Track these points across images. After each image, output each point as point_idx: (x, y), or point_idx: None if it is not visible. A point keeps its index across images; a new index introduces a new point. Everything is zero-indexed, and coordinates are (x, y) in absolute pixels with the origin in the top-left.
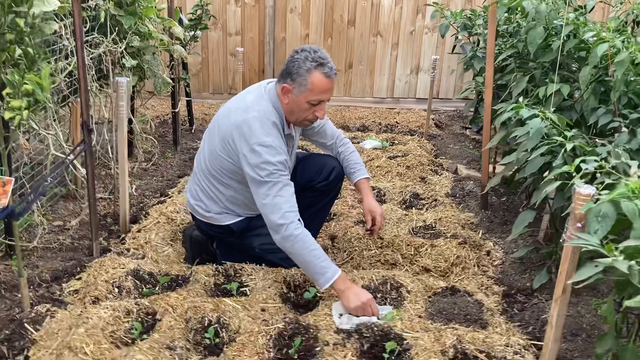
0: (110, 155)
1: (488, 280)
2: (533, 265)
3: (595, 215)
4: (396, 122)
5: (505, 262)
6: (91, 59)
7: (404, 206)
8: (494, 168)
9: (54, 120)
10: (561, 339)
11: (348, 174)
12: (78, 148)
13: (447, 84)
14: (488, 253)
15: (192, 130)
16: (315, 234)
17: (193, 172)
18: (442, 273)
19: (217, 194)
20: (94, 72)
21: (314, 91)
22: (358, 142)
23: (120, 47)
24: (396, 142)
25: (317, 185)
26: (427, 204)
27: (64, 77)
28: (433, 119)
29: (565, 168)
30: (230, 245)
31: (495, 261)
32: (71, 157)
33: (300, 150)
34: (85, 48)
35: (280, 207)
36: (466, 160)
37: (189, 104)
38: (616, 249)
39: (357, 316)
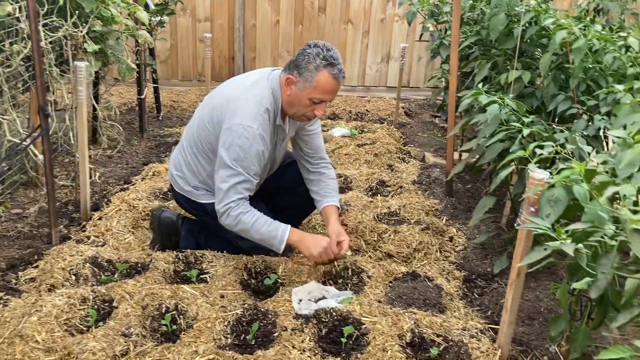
0: (73, 141)
1: (450, 265)
2: (494, 250)
3: (547, 200)
4: (366, 110)
5: (468, 247)
6: (50, 43)
7: (370, 193)
8: (460, 155)
9: (12, 105)
10: (517, 322)
11: (319, 197)
12: (34, 134)
13: (417, 73)
14: (451, 239)
15: (160, 118)
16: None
17: (180, 143)
18: (405, 259)
19: (199, 167)
20: (52, 57)
21: (318, 89)
22: (327, 130)
23: (82, 32)
24: (365, 130)
25: (302, 194)
26: (393, 191)
27: (22, 61)
28: (403, 107)
29: (520, 153)
30: (198, 227)
31: (457, 247)
32: (26, 142)
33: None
34: (44, 32)
35: (230, 198)
36: (434, 148)
37: (156, 90)
38: (566, 232)
39: (322, 263)
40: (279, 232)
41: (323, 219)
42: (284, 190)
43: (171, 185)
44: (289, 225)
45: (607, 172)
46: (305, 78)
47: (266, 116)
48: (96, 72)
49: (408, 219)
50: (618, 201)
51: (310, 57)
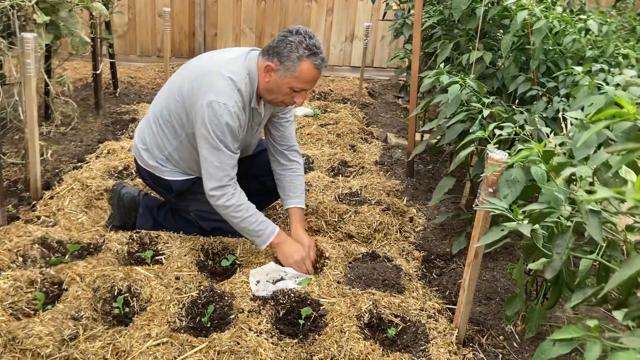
0: (22, 117)
1: (409, 246)
2: (454, 231)
3: (505, 180)
4: (330, 90)
5: (427, 228)
6: None
7: (332, 174)
8: (422, 136)
9: None
10: (474, 302)
11: (284, 196)
12: None
13: (381, 53)
14: (411, 219)
15: (117, 94)
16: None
17: (146, 116)
18: (365, 239)
19: (164, 141)
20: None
21: (300, 79)
22: None
23: (31, 2)
24: (328, 110)
25: (268, 184)
26: (355, 171)
27: None
28: (367, 88)
29: (479, 134)
30: (157, 204)
31: (417, 227)
32: None
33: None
34: None
35: (219, 177)
36: (397, 129)
37: (112, 66)
38: (523, 213)
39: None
40: (266, 232)
41: (288, 219)
42: (251, 177)
43: (135, 159)
44: (278, 228)
45: (564, 153)
46: (287, 67)
47: (239, 96)
48: (48, 46)
49: (369, 200)
50: (575, 182)
51: (293, 46)
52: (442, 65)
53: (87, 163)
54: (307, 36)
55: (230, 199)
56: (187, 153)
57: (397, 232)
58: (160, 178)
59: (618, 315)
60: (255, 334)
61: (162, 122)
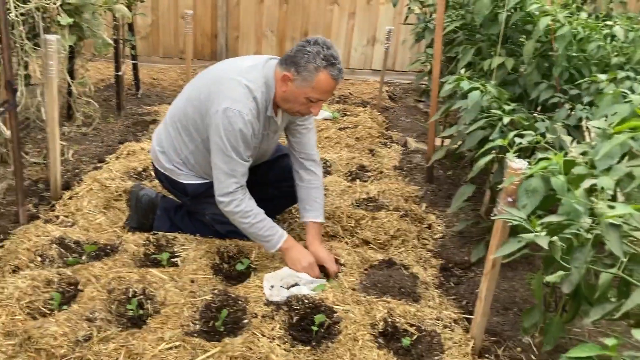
0: (45, 117)
1: (427, 253)
2: (473, 239)
3: (525, 190)
4: (350, 93)
5: (446, 235)
6: (22, 15)
7: (349, 178)
8: (442, 142)
9: None
10: (491, 312)
11: (301, 209)
12: (1, 108)
13: (403, 56)
14: (429, 226)
15: (139, 95)
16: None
17: (164, 119)
18: (382, 245)
19: (181, 145)
20: (22, 29)
21: (317, 89)
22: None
23: (55, 4)
24: (348, 113)
25: (286, 189)
26: (373, 176)
27: None
28: (387, 91)
29: (499, 142)
30: (175, 206)
31: (436, 234)
32: None
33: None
34: (14, 2)
35: (228, 184)
36: (417, 133)
37: (135, 67)
38: (541, 224)
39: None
40: (275, 237)
41: (305, 232)
42: (268, 182)
43: (152, 161)
44: (286, 233)
45: (586, 163)
46: (304, 77)
47: (254, 104)
48: (71, 47)
49: (387, 205)
50: (596, 194)
51: (310, 57)
52: (462, 71)
53: (106, 164)
54: (325, 46)
55: (239, 205)
56: (202, 157)
57: (414, 239)
58: (176, 181)
59: (637, 334)
60: (268, 340)
61: (179, 126)
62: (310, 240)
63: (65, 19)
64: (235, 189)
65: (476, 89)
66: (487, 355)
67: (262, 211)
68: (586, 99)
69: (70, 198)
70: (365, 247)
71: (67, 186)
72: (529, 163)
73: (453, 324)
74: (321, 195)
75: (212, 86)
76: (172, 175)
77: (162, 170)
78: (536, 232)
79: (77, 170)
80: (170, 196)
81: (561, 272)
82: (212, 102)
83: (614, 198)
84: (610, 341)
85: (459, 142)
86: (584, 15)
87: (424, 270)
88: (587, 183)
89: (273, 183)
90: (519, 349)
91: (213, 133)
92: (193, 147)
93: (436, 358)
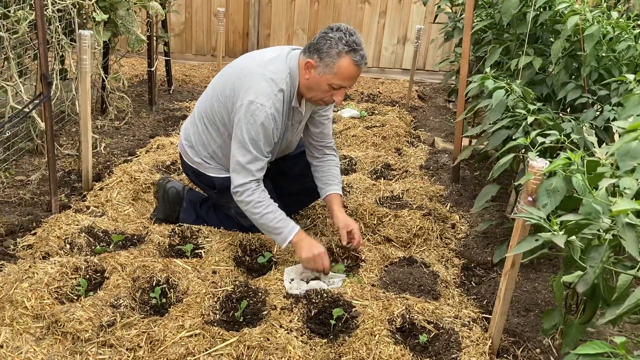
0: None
1: (449, 252)
2: (497, 239)
3: (545, 189)
4: (379, 92)
5: (470, 235)
6: (59, 10)
7: (374, 176)
8: (470, 141)
9: (18, 72)
10: (513, 313)
11: (322, 184)
12: (36, 101)
13: (434, 56)
14: (453, 226)
15: (171, 91)
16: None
17: (192, 113)
18: (404, 244)
19: (209, 139)
20: (59, 25)
21: (339, 76)
22: (337, 111)
23: (91, 1)
24: (376, 112)
25: (309, 184)
26: (398, 175)
27: (30, 28)
28: (417, 91)
29: (520, 141)
30: (201, 198)
31: (459, 234)
32: (27, 109)
33: None
34: None
35: (244, 175)
36: (445, 133)
37: (167, 63)
38: (561, 223)
39: (309, 268)
40: (285, 230)
41: (327, 208)
42: (292, 177)
43: (180, 155)
44: (298, 226)
45: (612, 164)
46: (326, 63)
47: (280, 96)
48: (106, 43)
49: (410, 204)
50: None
51: (333, 42)
52: (488, 70)
53: (137, 157)
54: (348, 33)
55: (251, 195)
56: (230, 151)
57: (437, 238)
58: (204, 174)
59: None
60: (286, 332)
61: (206, 120)
62: (337, 209)
63: (100, 16)
64: (249, 180)
65: (501, 87)
66: (505, 356)
67: (274, 204)
68: (614, 100)
69: (100, 189)
70: (387, 244)
71: (98, 178)
72: (550, 163)
73: (472, 322)
74: (339, 173)
75: (236, 81)
76: (199, 169)
77: (190, 164)
78: (553, 231)
79: (108, 163)
80: (197, 189)
81: (578, 272)
82: (237, 96)
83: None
84: (619, 339)
85: (485, 142)
86: (614, 14)
87: (446, 269)
88: (605, 182)
89: (298, 177)
90: (538, 350)
91: (235, 126)
92: (221, 141)
93: (453, 356)
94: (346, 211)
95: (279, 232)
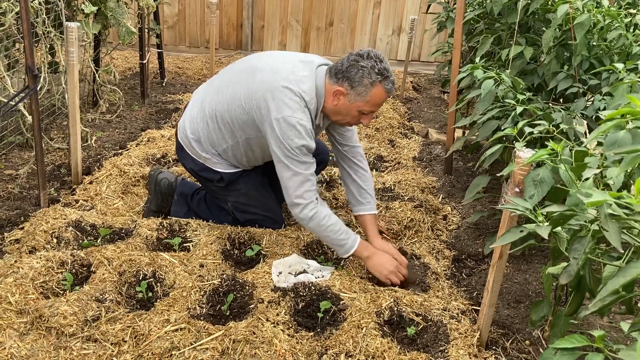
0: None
1: (440, 244)
2: (488, 231)
3: (532, 180)
4: None
5: (461, 227)
6: (47, 2)
7: None
8: (464, 132)
9: (6, 65)
10: (502, 304)
11: (354, 202)
12: (22, 94)
13: (429, 46)
14: (445, 217)
15: (163, 84)
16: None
17: (199, 107)
18: (394, 235)
19: (219, 139)
20: (45, 17)
21: (371, 103)
22: None
23: None
24: None
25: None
26: (390, 166)
27: (14, 20)
28: (412, 82)
29: (508, 131)
30: (192, 190)
31: (450, 226)
32: (13, 102)
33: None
34: None
35: (296, 187)
36: (439, 124)
37: (160, 56)
38: (545, 215)
39: (390, 284)
40: (348, 242)
41: (362, 229)
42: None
43: (180, 144)
44: (358, 237)
45: (601, 154)
46: (358, 92)
47: (307, 113)
48: (97, 35)
49: (402, 196)
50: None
51: (365, 72)
52: (478, 60)
53: (127, 150)
54: (378, 60)
55: (314, 209)
56: (240, 152)
57: (428, 229)
58: (210, 168)
59: (624, 326)
60: (272, 325)
61: (220, 122)
62: (372, 235)
63: (89, 7)
64: (307, 190)
65: (490, 77)
66: (494, 347)
67: (335, 216)
68: (605, 89)
69: (90, 183)
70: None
71: (88, 171)
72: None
73: (460, 315)
74: (372, 187)
75: (267, 93)
76: (206, 163)
77: (193, 156)
78: (538, 222)
79: (99, 156)
80: (189, 179)
81: (563, 264)
82: (269, 109)
83: (627, 189)
84: (597, 332)
85: (477, 133)
86: (605, 3)
87: (436, 261)
88: (589, 172)
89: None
90: (527, 342)
91: (275, 143)
92: (233, 142)
93: (441, 348)
94: (337, 204)
95: (342, 243)
